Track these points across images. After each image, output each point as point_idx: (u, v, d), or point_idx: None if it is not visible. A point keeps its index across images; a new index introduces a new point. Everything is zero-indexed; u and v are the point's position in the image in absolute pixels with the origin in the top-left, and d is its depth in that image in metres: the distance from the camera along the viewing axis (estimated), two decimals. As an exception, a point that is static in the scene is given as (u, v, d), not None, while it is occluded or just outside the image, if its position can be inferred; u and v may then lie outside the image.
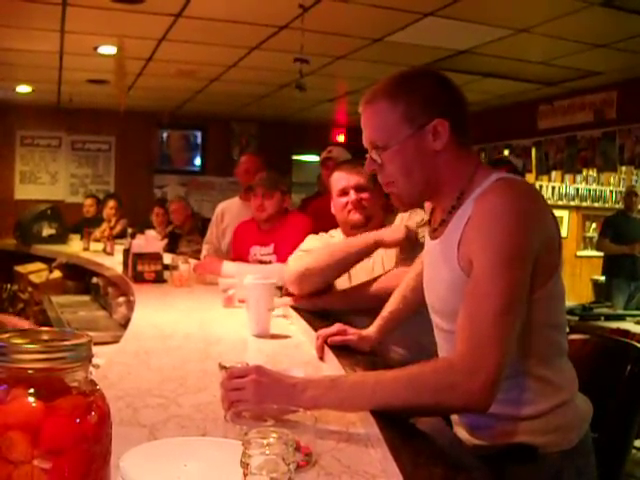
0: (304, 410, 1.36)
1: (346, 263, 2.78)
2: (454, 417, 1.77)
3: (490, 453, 1.63)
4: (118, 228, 8.06)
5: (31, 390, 0.80)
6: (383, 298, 2.39)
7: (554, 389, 1.63)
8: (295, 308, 2.91)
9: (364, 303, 2.66)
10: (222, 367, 1.56)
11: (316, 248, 2.90)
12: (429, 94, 1.65)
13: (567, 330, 1.74)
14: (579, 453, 1.64)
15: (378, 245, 2.72)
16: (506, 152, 8.22)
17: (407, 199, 1.73)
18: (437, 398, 1.42)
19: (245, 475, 0.79)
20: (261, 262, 3.97)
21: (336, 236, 3.03)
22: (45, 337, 0.88)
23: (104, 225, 7.89)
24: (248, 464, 0.78)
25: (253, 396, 1.47)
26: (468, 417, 1.72)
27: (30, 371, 0.81)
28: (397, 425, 1.42)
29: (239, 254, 4.17)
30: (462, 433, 1.73)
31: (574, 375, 1.71)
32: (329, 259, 2.76)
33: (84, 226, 7.68)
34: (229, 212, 5.11)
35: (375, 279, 2.76)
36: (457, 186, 1.63)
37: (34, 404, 0.80)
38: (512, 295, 1.43)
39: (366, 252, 2.74)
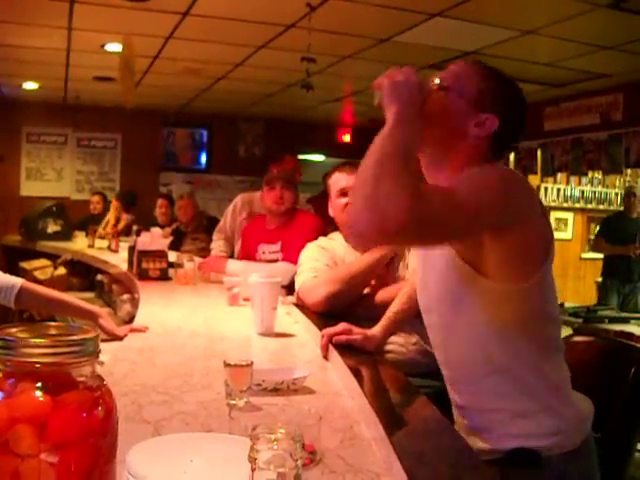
0: None
1: (363, 282, 2.80)
2: (455, 421, 1.77)
3: (493, 458, 1.63)
4: (122, 223, 8.08)
5: (38, 384, 0.81)
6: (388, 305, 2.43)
7: (551, 385, 1.63)
8: (299, 306, 2.91)
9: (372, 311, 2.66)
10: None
11: (325, 269, 2.89)
12: (507, 99, 1.70)
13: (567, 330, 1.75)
14: (582, 454, 1.64)
15: (383, 258, 2.75)
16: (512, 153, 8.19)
17: (421, 151, 1.72)
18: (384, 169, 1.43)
19: (253, 470, 0.79)
20: (269, 261, 3.97)
21: (336, 239, 3.03)
22: (53, 332, 0.88)
23: (103, 222, 7.88)
24: (256, 459, 0.79)
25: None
26: (468, 418, 1.72)
27: (38, 365, 0.81)
28: (401, 424, 1.43)
29: (247, 252, 4.17)
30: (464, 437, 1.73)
31: (569, 373, 1.71)
32: (349, 279, 2.76)
33: (90, 223, 7.71)
34: (248, 204, 5.01)
35: (379, 287, 2.79)
36: (459, 169, 1.64)
37: (41, 398, 0.80)
38: (469, 204, 1.45)
39: (378, 267, 2.78)
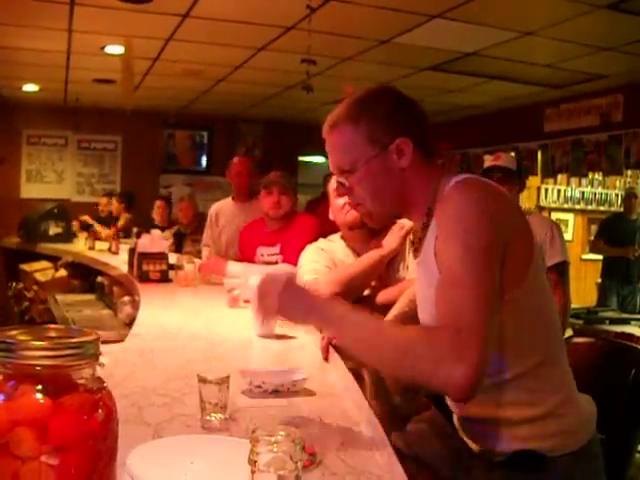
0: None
1: (363, 284, 2.80)
2: (456, 424, 1.77)
3: (497, 460, 1.62)
4: (122, 221, 8.12)
5: (39, 387, 0.81)
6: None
7: (554, 388, 1.62)
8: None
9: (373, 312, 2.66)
10: (201, 379, 1.54)
11: (324, 271, 2.89)
12: (390, 113, 1.67)
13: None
14: (587, 456, 1.63)
15: (383, 259, 2.76)
16: (512, 153, 8.19)
17: (377, 218, 1.77)
18: (419, 366, 1.38)
19: (253, 472, 0.79)
20: (268, 263, 3.97)
21: (335, 240, 3.03)
22: (53, 334, 0.88)
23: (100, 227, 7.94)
24: (256, 461, 0.79)
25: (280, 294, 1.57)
26: (470, 428, 1.71)
27: (38, 368, 0.81)
28: (402, 426, 1.42)
29: (246, 255, 4.17)
30: (466, 440, 1.73)
31: (571, 374, 1.71)
32: (349, 281, 2.77)
33: (100, 225, 7.78)
34: (223, 214, 5.12)
35: (380, 289, 2.80)
36: (425, 202, 1.64)
37: (42, 401, 0.80)
38: (487, 284, 1.42)
39: (378, 268, 2.78)
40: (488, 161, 4.18)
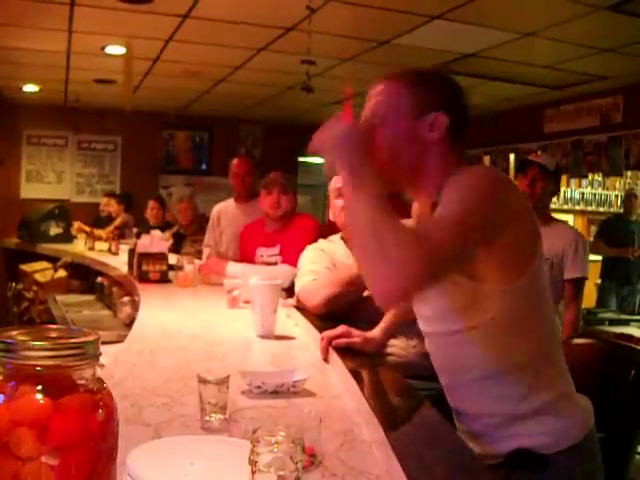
0: None
1: (363, 285, 2.79)
2: (456, 422, 1.77)
3: (495, 462, 1.63)
4: (119, 221, 8.13)
5: (39, 387, 0.81)
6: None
7: (550, 383, 1.63)
8: (300, 309, 2.92)
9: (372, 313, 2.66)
10: (201, 380, 1.54)
11: (324, 272, 2.89)
12: (440, 91, 1.70)
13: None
14: (586, 453, 1.64)
15: None
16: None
17: (390, 182, 1.72)
18: (385, 236, 1.43)
19: (253, 473, 0.79)
20: (267, 263, 3.98)
21: (335, 241, 3.04)
22: (53, 335, 0.88)
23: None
24: (256, 462, 0.79)
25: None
26: (467, 424, 1.72)
27: (38, 368, 0.81)
28: (402, 427, 1.43)
29: (245, 256, 4.18)
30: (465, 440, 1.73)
31: (567, 370, 1.72)
32: (349, 282, 2.76)
33: (99, 225, 7.78)
34: (225, 215, 5.12)
35: None
36: (438, 182, 1.64)
37: (42, 401, 0.80)
38: (469, 223, 1.47)
39: None
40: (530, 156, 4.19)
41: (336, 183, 2.91)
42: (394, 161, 1.68)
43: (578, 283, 3.79)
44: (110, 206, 8.71)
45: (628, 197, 8.06)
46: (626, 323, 5.66)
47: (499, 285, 1.56)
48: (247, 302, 2.92)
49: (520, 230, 1.58)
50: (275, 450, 0.80)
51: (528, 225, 1.63)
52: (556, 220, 4.06)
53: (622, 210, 8.32)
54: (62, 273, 6.40)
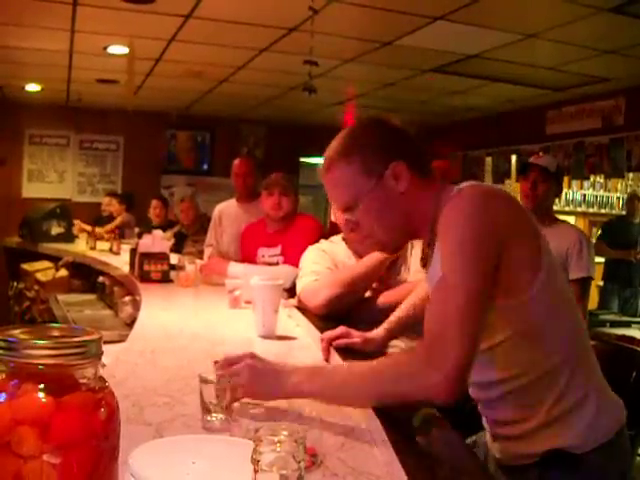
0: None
1: (364, 285, 2.80)
2: (490, 430, 1.77)
3: (529, 462, 1.62)
4: (118, 220, 8.14)
5: (41, 386, 0.81)
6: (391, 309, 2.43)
7: (581, 384, 1.62)
8: (301, 309, 2.92)
9: (374, 314, 2.66)
10: (202, 380, 1.54)
11: (326, 272, 2.89)
12: (379, 142, 1.71)
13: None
14: (618, 451, 1.64)
15: (385, 261, 2.76)
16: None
17: (389, 246, 1.81)
18: (397, 389, 1.49)
19: (255, 472, 0.79)
20: (268, 264, 3.98)
21: (337, 242, 3.04)
22: (56, 333, 0.88)
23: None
24: (259, 461, 0.79)
25: (247, 379, 1.59)
26: (501, 430, 1.71)
27: (40, 367, 0.81)
28: (403, 427, 1.43)
29: (247, 256, 4.18)
30: (498, 445, 1.73)
31: (599, 370, 1.71)
32: (350, 282, 2.77)
33: (100, 225, 7.78)
34: (226, 215, 5.12)
35: (381, 290, 2.79)
36: (428, 219, 1.66)
37: (44, 399, 0.80)
38: (475, 289, 1.47)
39: (379, 270, 2.78)
40: (530, 159, 4.19)
41: None
42: (386, 229, 1.71)
43: (584, 283, 3.76)
44: (111, 206, 8.71)
45: (631, 199, 8.05)
46: (628, 325, 5.65)
47: (509, 300, 1.55)
48: (248, 302, 2.92)
49: (521, 244, 1.57)
50: (278, 449, 0.80)
51: (528, 238, 1.61)
52: (560, 220, 4.06)
53: (624, 212, 8.31)
54: (63, 272, 6.40)
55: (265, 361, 1.68)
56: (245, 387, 1.58)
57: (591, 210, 10.36)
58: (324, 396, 1.60)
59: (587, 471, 1.58)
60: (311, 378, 1.59)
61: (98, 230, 7.30)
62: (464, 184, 1.65)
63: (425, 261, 1.78)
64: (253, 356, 1.68)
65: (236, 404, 1.56)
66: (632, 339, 4.77)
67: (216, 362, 1.70)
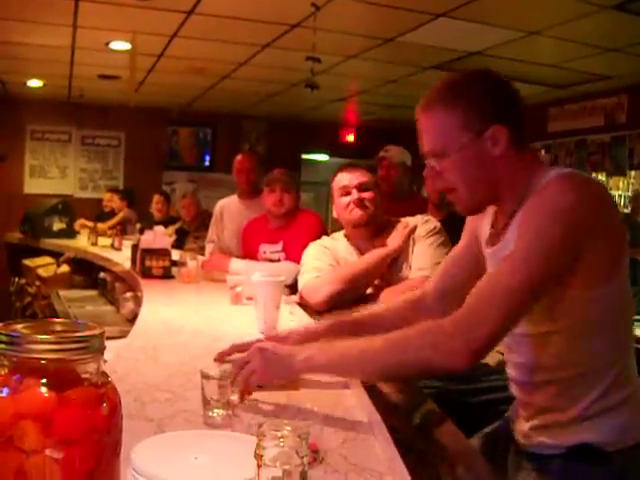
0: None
1: (366, 282, 2.81)
2: (520, 414, 1.74)
3: (555, 453, 1.61)
4: (120, 216, 8.15)
5: (44, 380, 0.81)
6: None
7: (621, 382, 1.60)
8: (302, 306, 2.92)
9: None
10: (204, 375, 1.54)
11: (327, 269, 2.89)
12: (486, 99, 1.64)
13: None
14: None
15: (386, 258, 2.76)
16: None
17: (469, 205, 1.72)
18: (419, 354, 1.48)
19: (259, 467, 0.80)
20: (270, 260, 3.98)
21: (338, 238, 3.04)
22: (58, 328, 0.88)
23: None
24: (262, 456, 0.79)
25: (260, 363, 1.58)
26: (534, 418, 1.68)
27: (43, 361, 0.81)
28: (404, 424, 1.43)
29: (248, 252, 4.17)
30: (526, 430, 1.71)
31: (636, 370, 1.69)
32: (352, 279, 2.77)
33: (102, 221, 7.79)
34: (228, 211, 5.11)
35: (383, 287, 2.80)
36: (518, 190, 1.62)
37: (46, 394, 0.80)
38: (532, 282, 1.46)
39: (381, 267, 2.78)
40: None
41: (341, 181, 2.92)
42: (471, 188, 1.65)
43: None
44: (113, 202, 8.72)
45: (635, 198, 8.01)
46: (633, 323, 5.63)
47: (584, 292, 1.53)
48: (250, 298, 2.91)
49: (608, 244, 1.55)
50: (281, 444, 0.80)
51: (616, 236, 1.59)
52: None
53: (627, 210, 8.28)
54: (65, 268, 6.40)
55: (273, 344, 1.69)
56: (259, 371, 1.57)
57: (593, 208, 10.33)
58: (339, 368, 1.61)
59: (610, 470, 1.57)
60: (324, 351, 1.59)
61: (100, 226, 7.30)
62: (563, 170, 1.60)
63: (496, 230, 1.72)
64: (260, 341, 1.70)
65: (235, 399, 1.56)
66: (637, 338, 4.76)
67: (216, 360, 1.69)
